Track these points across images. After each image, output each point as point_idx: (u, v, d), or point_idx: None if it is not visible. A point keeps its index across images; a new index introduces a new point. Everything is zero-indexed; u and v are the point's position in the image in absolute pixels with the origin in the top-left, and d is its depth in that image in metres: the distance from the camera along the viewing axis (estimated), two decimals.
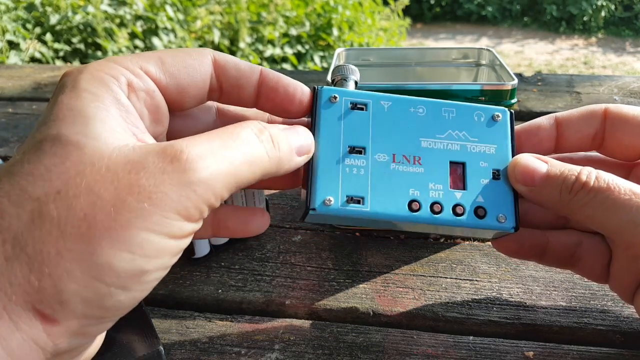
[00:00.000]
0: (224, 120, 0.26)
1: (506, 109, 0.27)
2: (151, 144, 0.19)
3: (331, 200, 0.24)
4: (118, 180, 0.17)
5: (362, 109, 0.25)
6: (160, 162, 0.18)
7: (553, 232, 0.28)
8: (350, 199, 0.24)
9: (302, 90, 0.25)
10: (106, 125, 0.19)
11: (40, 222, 0.16)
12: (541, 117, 0.27)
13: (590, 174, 0.23)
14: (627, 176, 0.27)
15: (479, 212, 0.25)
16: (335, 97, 0.25)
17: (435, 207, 0.25)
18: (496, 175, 0.26)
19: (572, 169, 0.24)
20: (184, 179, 0.18)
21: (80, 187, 0.17)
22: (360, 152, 0.25)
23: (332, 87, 0.26)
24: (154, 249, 0.17)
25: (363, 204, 0.24)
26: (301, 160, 0.23)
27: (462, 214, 0.25)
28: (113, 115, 0.19)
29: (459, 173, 0.25)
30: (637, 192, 0.23)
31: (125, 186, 0.17)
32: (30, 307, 0.16)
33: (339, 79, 0.27)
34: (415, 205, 0.24)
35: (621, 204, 0.22)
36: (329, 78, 0.27)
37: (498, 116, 0.26)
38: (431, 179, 0.25)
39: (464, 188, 0.25)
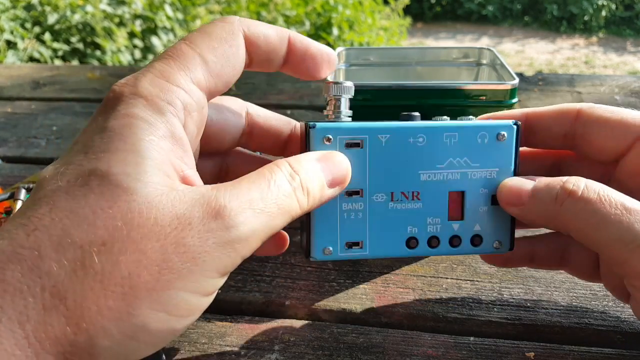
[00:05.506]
0: (251, 124, 0.27)
1: (512, 124, 0.25)
2: (195, 191, 0.19)
3: (330, 250, 0.25)
4: (165, 237, 0.17)
5: (358, 145, 0.24)
6: (205, 218, 0.18)
7: (538, 238, 0.29)
8: (349, 244, 0.25)
9: (328, 59, 0.25)
10: (156, 166, 0.18)
11: (83, 274, 0.16)
12: (513, 110, 0.27)
13: (578, 183, 0.23)
14: (610, 178, 0.26)
15: (475, 241, 0.26)
16: (329, 139, 0.24)
17: (433, 242, 0.25)
18: (495, 200, 0.26)
19: (558, 180, 0.23)
20: (226, 237, 0.18)
21: (126, 241, 0.17)
22: (357, 194, 0.25)
23: (325, 125, 0.24)
24: (188, 308, 0.18)
25: (362, 248, 0.25)
26: (333, 192, 0.23)
27: (458, 245, 0.25)
28: (165, 150, 0.19)
29: (457, 203, 0.26)
30: (629, 206, 0.21)
31: (171, 244, 0.17)
32: (62, 357, 0.16)
33: (332, 99, 0.26)
34: (413, 243, 0.25)
35: (611, 220, 0.21)
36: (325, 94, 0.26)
37: (503, 136, 0.25)
38: (429, 213, 0.25)
39: (461, 218, 0.26)
